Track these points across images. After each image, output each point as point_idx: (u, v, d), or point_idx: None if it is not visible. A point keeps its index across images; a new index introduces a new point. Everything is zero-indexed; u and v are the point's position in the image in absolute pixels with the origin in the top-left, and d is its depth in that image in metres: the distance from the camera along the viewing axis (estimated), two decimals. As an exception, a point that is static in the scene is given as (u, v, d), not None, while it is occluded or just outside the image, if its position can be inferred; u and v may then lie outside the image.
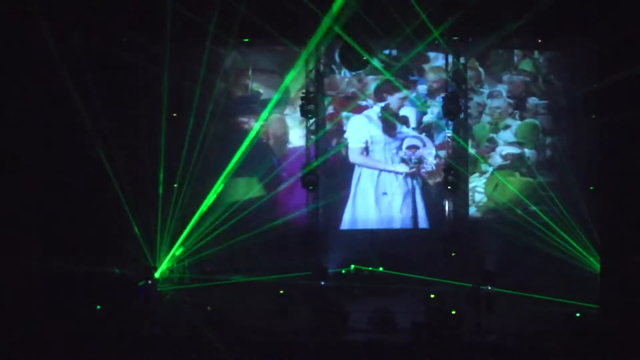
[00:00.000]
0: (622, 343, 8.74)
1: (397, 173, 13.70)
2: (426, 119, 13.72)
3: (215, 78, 13.09)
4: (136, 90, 12.02)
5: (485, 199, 13.84)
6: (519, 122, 13.73)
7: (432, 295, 10.90)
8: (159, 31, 11.48)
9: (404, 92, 13.53)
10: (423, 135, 13.74)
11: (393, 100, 13.63)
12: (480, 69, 13.77)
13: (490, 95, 13.76)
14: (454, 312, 9.95)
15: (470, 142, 13.71)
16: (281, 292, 11.15)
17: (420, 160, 13.59)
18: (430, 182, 13.76)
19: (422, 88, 13.70)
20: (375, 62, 13.12)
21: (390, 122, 13.63)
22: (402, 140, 13.70)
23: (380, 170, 13.70)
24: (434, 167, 13.69)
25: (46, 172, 9.84)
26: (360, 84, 13.73)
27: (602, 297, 10.11)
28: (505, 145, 13.76)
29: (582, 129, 12.96)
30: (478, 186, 13.86)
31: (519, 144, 13.74)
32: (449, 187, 13.11)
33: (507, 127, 13.74)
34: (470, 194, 13.81)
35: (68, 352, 8.86)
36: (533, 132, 13.72)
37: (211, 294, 11.77)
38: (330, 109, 13.76)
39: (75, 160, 10.47)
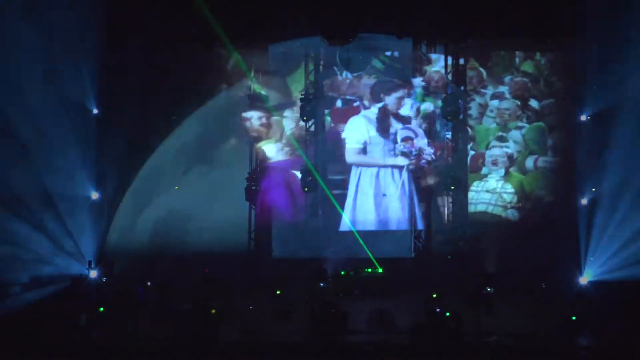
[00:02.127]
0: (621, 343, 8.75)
1: (397, 168, 13.52)
2: (424, 107, 13.57)
3: (216, 79, 13.12)
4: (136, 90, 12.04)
5: (516, 199, 13.74)
6: (527, 125, 13.71)
7: (435, 295, 10.89)
8: (160, 32, 11.52)
9: (402, 92, 13.46)
10: (414, 126, 13.53)
11: (391, 100, 13.57)
12: (482, 70, 13.77)
13: (494, 97, 13.76)
14: (448, 314, 9.90)
15: (471, 143, 13.73)
16: (278, 292, 11.17)
17: (420, 152, 13.44)
18: (430, 182, 13.74)
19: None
20: (377, 63, 13.13)
21: (386, 123, 13.55)
22: (395, 134, 13.52)
23: (380, 168, 13.54)
24: (433, 157, 13.51)
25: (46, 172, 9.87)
26: (361, 85, 13.73)
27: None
28: (502, 146, 13.75)
29: (582, 128, 12.97)
30: (504, 188, 13.75)
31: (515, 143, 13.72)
32: (452, 187, 13.10)
33: (517, 128, 13.72)
34: (496, 196, 13.73)
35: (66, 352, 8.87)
36: (540, 135, 13.70)
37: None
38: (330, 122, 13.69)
39: (75, 160, 10.51)
